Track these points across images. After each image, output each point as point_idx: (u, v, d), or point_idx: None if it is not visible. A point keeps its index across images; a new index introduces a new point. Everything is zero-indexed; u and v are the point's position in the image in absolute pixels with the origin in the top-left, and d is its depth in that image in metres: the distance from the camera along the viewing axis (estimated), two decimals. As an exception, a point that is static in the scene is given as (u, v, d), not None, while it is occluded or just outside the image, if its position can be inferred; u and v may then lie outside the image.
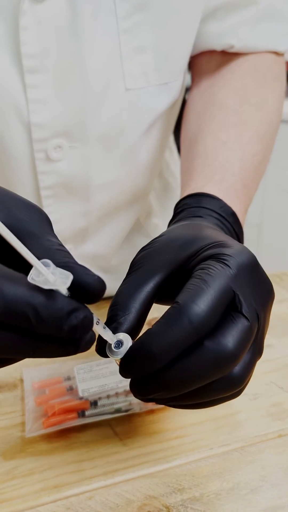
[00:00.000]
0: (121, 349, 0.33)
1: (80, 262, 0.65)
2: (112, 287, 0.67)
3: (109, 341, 0.33)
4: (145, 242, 0.70)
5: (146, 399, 0.34)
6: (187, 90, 0.64)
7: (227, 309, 0.33)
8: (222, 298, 0.32)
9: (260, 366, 0.52)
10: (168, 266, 0.36)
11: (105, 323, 0.34)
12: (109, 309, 0.35)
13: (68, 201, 0.55)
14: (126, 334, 0.34)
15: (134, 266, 0.37)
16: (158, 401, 0.35)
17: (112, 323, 0.34)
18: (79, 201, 0.56)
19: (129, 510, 0.37)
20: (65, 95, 0.49)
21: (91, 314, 0.29)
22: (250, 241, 1.96)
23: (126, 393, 0.46)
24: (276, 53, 0.59)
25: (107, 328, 0.33)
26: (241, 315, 0.33)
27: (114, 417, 0.45)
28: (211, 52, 0.59)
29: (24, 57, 0.47)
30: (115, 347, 0.33)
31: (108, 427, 0.45)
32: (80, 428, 0.44)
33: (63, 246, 0.31)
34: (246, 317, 0.33)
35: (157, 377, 0.32)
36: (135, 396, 0.34)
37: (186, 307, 0.31)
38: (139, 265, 0.37)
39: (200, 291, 0.32)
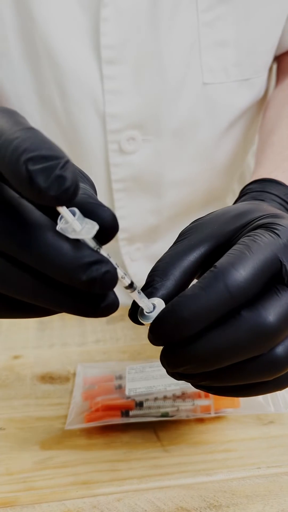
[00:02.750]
0: (152, 313, 0.30)
1: (150, 262, 0.64)
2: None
3: (143, 306, 0.31)
4: None
5: (176, 375, 0.31)
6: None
7: (272, 280, 0.29)
8: (266, 267, 0.29)
9: None
10: (215, 237, 0.33)
11: (141, 289, 0.32)
12: (148, 275, 0.33)
13: (139, 196, 0.54)
14: (161, 300, 0.31)
15: (181, 236, 0.35)
16: (190, 380, 0.31)
17: (148, 288, 0.32)
18: (150, 197, 0.55)
19: (157, 519, 0.34)
20: (141, 87, 0.49)
21: (115, 269, 0.26)
22: None
23: (174, 398, 0.43)
24: None
25: (142, 293, 0.31)
26: (287, 287, 0.29)
27: (160, 421, 0.43)
28: None
29: (103, 48, 0.47)
30: (147, 312, 0.31)
31: (152, 431, 0.42)
32: (122, 427, 0.42)
33: (92, 191, 0.29)
34: None
35: (187, 346, 0.29)
36: (164, 367, 0.31)
37: (224, 271, 0.28)
38: (186, 235, 0.34)
39: (242, 256, 0.28)
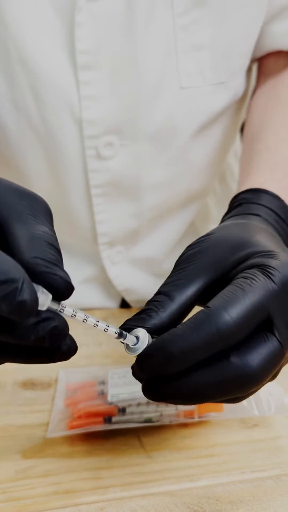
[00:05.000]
0: (137, 345, 0.31)
1: (131, 265, 0.63)
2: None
3: (127, 342, 0.31)
4: None
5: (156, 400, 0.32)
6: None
7: (261, 326, 0.31)
8: (257, 313, 0.30)
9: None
10: (213, 271, 0.34)
11: (137, 313, 0.33)
12: (146, 303, 0.34)
13: (119, 200, 0.54)
14: (145, 331, 0.31)
15: (179, 266, 0.35)
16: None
17: (143, 313, 0.32)
18: (129, 201, 0.54)
19: (140, 528, 0.34)
20: (117, 92, 0.48)
21: (63, 324, 0.28)
22: None
23: (157, 403, 0.43)
24: None
25: (124, 332, 0.31)
26: (274, 337, 0.30)
27: (143, 426, 0.42)
28: (279, 53, 0.56)
29: (78, 53, 0.47)
30: (132, 345, 0.31)
31: (135, 437, 0.42)
32: (105, 434, 0.42)
33: (49, 233, 0.29)
34: (279, 340, 0.30)
35: (172, 382, 0.30)
36: (145, 395, 0.31)
37: (216, 313, 0.29)
38: (184, 266, 0.35)
39: (235, 299, 0.30)
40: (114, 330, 0.31)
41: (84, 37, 0.46)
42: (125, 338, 0.31)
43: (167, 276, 0.67)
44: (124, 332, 0.31)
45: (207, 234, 0.37)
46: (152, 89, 0.49)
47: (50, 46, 0.47)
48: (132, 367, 0.31)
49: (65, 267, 0.65)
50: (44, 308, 0.27)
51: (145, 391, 0.31)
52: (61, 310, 0.28)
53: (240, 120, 0.61)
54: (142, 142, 0.51)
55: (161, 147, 0.52)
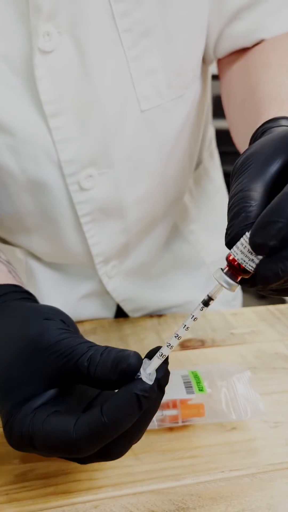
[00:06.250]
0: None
1: (126, 276, 0.68)
2: (154, 296, 0.70)
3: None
4: (183, 247, 0.72)
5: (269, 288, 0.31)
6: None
7: None
8: None
9: (286, 395, 0.51)
10: (282, 154, 0.33)
11: (233, 217, 0.32)
12: (232, 204, 0.32)
13: (106, 222, 0.58)
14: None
15: (244, 166, 0.34)
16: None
17: (237, 216, 0.31)
18: (116, 220, 0.58)
19: (131, 523, 0.38)
20: (86, 130, 0.52)
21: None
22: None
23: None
24: None
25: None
26: None
27: (131, 431, 0.46)
28: (241, 49, 0.60)
29: (44, 104, 0.50)
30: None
31: (124, 441, 0.46)
32: (97, 439, 0.46)
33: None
34: None
35: None
36: (264, 281, 0.30)
37: None
38: (250, 163, 0.33)
39: None
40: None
41: (46, 90, 0.49)
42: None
43: (157, 278, 0.73)
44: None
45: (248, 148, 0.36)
46: (116, 119, 0.53)
47: (18, 104, 0.50)
48: (253, 241, 0.29)
49: (65, 287, 0.69)
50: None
51: (269, 268, 0.29)
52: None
53: (203, 121, 0.66)
54: (118, 167, 0.55)
55: (135, 167, 0.56)
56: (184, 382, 0.48)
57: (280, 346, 0.60)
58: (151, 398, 0.34)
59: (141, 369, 0.34)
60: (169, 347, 0.34)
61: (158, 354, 0.34)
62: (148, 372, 0.34)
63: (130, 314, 0.68)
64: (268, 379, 0.54)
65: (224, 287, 0.31)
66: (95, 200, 0.56)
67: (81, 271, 0.64)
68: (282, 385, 0.53)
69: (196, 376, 0.48)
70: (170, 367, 0.36)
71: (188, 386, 0.47)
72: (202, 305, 0.33)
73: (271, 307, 0.69)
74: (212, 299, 0.33)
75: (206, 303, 0.33)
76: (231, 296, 0.79)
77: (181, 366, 0.55)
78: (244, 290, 0.87)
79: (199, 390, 0.47)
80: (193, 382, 0.47)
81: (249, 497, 0.40)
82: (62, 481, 0.42)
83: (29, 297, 0.45)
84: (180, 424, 0.46)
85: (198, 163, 0.73)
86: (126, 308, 0.67)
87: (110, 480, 0.42)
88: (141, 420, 0.34)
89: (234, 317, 0.67)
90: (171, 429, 0.47)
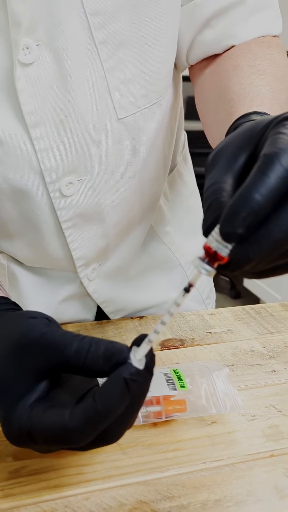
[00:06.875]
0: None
1: (105, 278, 0.72)
2: (133, 296, 0.73)
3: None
4: (159, 248, 0.76)
5: (243, 270, 0.33)
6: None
7: None
8: None
9: (262, 390, 0.55)
10: (248, 146, 0.35)
11: (207, 208, 0.34)
12: (206, 197, 0.34)
13: (87, 227, 0.60)
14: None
15: (214, 160, 0.36)
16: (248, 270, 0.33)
17: (210, 207, 0.34)
18: (95, 225, 0.61)
19: (120, 512, 0.41)
20: (66, 139, 0.54)
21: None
22: None
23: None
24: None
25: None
26: None
27: (118, 428, 0.49)
28: (213, 55, 0.63)
29: (25, 115, 0.52)
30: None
31: (111, 437, 0.48)
32: (85, 436, 0.48)
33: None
34: None
35: (264, 228, 0.31)
36: (239, 267, 0.32)
37: (275, 154, 0.31)
38: (220, 157, 0.36)
39: (284, 141, 0.32)
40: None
41: (27, 101, 0.52)
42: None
43: (135, 279, 0.76)
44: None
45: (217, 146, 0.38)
46: (94, 128, 0.55)
47: (1, 115, 0.52)
48: (223, 227, 0.32)
49: (47, 290, 0.71)
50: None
51: (240, 253, 0.32)
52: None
53: (176, 126, 0.69)
54: (97, 174, 0.57)
55: (113, 173, 0.59)
56: (167, 380, 0.50)
57: (255, 344, 0.63)
58: (139, 381, 0.36)
59: (131, 355, 0.37)
60: (156, 333, 0.37)
61: (146, 340, 0.37)
62: (138, 358, 0.36)
63: (110, 316, 0.71)
64: (245, 375, 0.57)
65: (203, 273, 0.34)
66: (75, 206, 0.58)
67: (63, 274, 0.67)
68: (258, 381, 0.56)
69: (177, 374, 0.51)
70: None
71: (170, 384, 0.50)
72: (184, 292, 0.35)
73: (246, 307, 0.72)
74: (192, 285, 0.35)
75: (187, 289, 0.35)
76: (206, 294, 0.82)
77: (163, 364, 0.58)
78: (219, 291, 0.91)
79: (181, 387, 0.50)
80: (175, 380, 0.50)
81: (229, 485, 0.43)
82: (54, 476, 0.44)
83: (16, 308, 0.47)
84: (163, 419, 0.49)
85: (172, 167, 0.76)
86: (106, 309, 0.70)
87: (99, 474, 0.44)
88: (133, 402, 0.37)
89: (211, 317, 0.70)
90: (155, 424, 0.50)
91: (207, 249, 0.33)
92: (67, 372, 0.39)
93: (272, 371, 0.58)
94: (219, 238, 0.32)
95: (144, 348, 0.37)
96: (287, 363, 0.60)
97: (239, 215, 0.31)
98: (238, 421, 0.50)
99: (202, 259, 0.34)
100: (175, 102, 0.66)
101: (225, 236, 0.32)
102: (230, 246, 0.32)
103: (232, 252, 0.32)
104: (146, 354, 0.37)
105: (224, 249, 0.32)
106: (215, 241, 0.33)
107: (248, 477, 0.44)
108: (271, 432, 0.49)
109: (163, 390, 0.49)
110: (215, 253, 0.33)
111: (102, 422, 0.36)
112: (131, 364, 0.36)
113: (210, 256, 0.33)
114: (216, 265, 0.33)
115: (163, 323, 0.37)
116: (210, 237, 0.33)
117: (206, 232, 0.34)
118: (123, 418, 0.37)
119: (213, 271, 0.34)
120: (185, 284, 0.35)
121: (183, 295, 0.35)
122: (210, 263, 0.33)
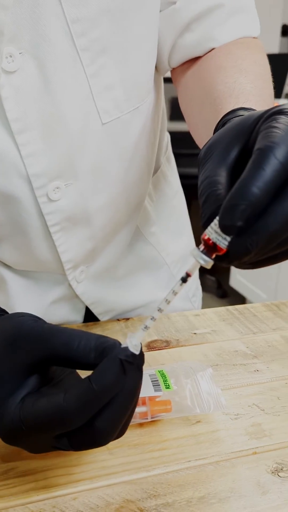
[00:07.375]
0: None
1: (93, 279, 0.73)
2: (121, 296, 0.74)
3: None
4: (145, 248, 0.77)
5: (243, 261, 0.34)
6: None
7: None
8: None
9: (245, 389, 0.56)
10: (240, 140, 0.36)
11: (204, 201, 0.35)
12: (202, 190, 0.35)
13: (74, 230, 0.61)
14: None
15: (207, 155, 0.37)
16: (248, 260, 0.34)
17: (211, 198, 0.34)
18: (83, 227, 0.62)
19: (107, 511, 0.42)
20: (52, 145, 0.55)
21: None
22: (270, 273, 2.00)
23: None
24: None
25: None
26: None
27: (104, 428, 0.50)
28: (194, 58, 0.64)
29: (10, 122, 0.53)
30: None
31: (98, 438, 0.49)
32: (73, 437, 0.49)
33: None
34: None
35: (262, 220, 0.32)
36: (237, 258, 0.33)
37: (270, 148, 0.32)
38: (212, 151, 0.37)
39: (279, 135, 0.32)
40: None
41: (12, 108, 0.52)
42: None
43: (122, 279, 0.78)
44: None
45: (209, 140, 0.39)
46: (79, 134, 0.56)
47: None
48: (222, 220, 0.32)
49: (36, 293, 0.72)
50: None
51: (239, 244, 0.33)
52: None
53: (159, 128, 0.70)
54: (83, 178, 0.58)
55: (99, 177, 0.60)
56: (152, 381, 0.52)
57: (239, 344, 0.65)
58: (134, 365, 0.37)
59: (127, 340, 0.37)
60: (153, 319, 0.38)
61: (142, 326, 0.38)
62: (134, 343, 0.37)
63: (99, 317, 0.72)
64: (229, 375, 0.59)
65: (201, 263, 0.35)
66: (62, 210, 0.59)
67: (51, 277, 0.67)
68: (241, 380, 0.58)
69: (162, 375, 0.52)
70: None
71: (155, 385, 0.51)
72: (180, 281, 0.36)
73: (230, 308, 0.74)
74: (190, 275, 0.36)
75: (184, 279, 0.36)
76: (192, 292, 0.84)
77: (148, 365, 0.59)
78: (205, 290, 0.92)
79: (166, 387, 0.51)
80: (160, 381, 0.52)
81: (213, 482, 0.44)
82: (42, 477, 0.45)
83: (2, 314, 0.48)
84: (149, 419, 0.50)
85: (156, 168, 0.77)
86: (95, 311, 0.71)
87: (86, 474, 0.45)
88: (128, 388, 0.37)
89: (196, 318, 0.71)
90: (141, 424, 0.51)
91: (206, 241, 0.34)
92: (57, 365, 0.39)
93: (255, 370, 0.60)
94: (218, 230, 0.33)
95: (140, 334, 0.38)
96: (270, 362, 0.62)
97: (238, 208, 0.31)
98: (222, 420, 0.52)
99: (201, 250, 0.35)
100: (157, 104, 0.68)
101: (225, 229, 0.32)
102: (228, 238, 0.33)
103: (231, 244, 0.33)
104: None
105: (222, 241, 0.33)
106: (214, 232, 0.34)
107: (231, 474, 0.46)
108: (253, 430, 0.51)
109: (148, 391, 0.51)
110: (214, 244, 0.34)
111: (97, 401, 0.36)
112: (127, 348, 0.37)
113: (209, 247, 0.34)
114: (214, 256, 0.34)
115: (160, 310, 0.37)
116: (209, 228, 0.34)
117: (205, 224, 0.35)
118: (120, 406, 0.37)
119: (211, 262, 0.35)
120: (183, 274, 0.36)
121: (180, 285, 0.36)
122: (208, 253, 0.34)
